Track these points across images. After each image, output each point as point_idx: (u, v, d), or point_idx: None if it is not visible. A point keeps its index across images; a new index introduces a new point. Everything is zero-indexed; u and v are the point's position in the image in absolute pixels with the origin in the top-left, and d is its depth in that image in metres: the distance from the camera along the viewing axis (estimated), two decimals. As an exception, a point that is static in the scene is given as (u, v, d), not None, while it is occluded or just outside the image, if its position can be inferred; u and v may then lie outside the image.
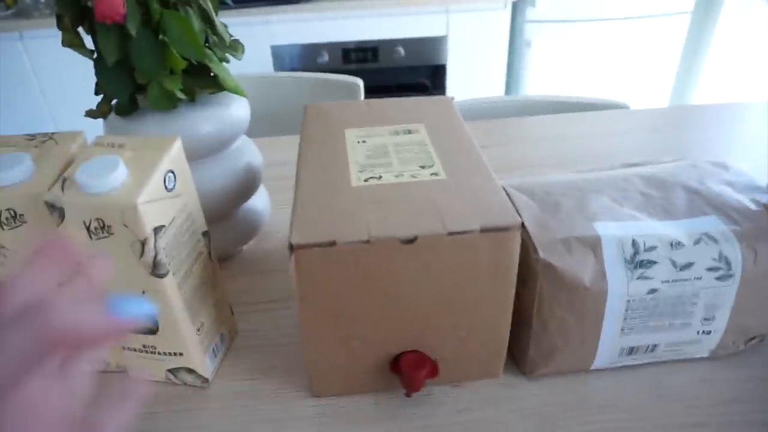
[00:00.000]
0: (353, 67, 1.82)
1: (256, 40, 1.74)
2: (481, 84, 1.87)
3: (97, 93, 0.46)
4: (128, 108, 0.46)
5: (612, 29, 1.74)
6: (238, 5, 1.68)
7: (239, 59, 0.49)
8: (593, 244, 0.37)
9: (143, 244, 0.34)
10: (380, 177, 0.39)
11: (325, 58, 1.80)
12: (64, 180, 0.34)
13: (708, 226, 0.38)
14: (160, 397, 0.42)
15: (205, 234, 0.42)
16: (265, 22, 1.71)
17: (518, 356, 0.42)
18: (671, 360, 0.42)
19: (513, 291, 0.37)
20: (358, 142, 0.44)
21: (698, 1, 1.76)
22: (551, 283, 0.36)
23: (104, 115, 0.48)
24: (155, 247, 0.35)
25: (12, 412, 0.19)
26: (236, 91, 0.48)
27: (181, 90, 0.45)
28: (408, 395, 0.39)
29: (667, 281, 0.37)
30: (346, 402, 0.41)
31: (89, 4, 0.39)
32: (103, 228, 0.34)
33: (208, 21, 0.46)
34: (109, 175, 0.33)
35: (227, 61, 0.49)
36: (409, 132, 0.45)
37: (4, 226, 0.36)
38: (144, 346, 0.40)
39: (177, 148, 0.37)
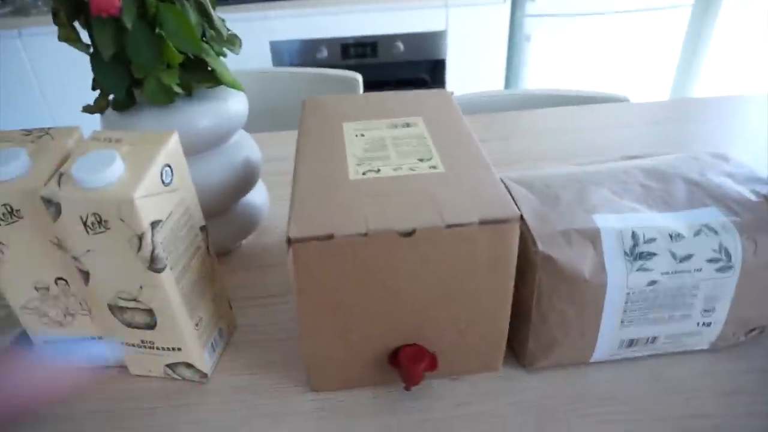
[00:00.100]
0: (352, 63, 1.81)
1: (254, 36, 1.73)
2: (480, 78, 1.86)
3: (93, 88, 0.46)
4: (125, 103, 0.46)
5: (612, 23, 1.74)
6: (237, 1, 1.67)
7: (236, 53, 0.49)
8: (593, 237, 0.37)
9: (140, 238, 0.34)
10: (378, 170, 0.39)
11: (324, 53, 1.79)
12: (61, 175, 0.34)
13: (708, 218, 0.38)
14: (158, 392, 0.42)
15: (203, 228, 0.41)
16: (263, 17, 1.70)
17: (518, 349, 0.42)
18: (671, 352, 0.42)
19: (512, 284, 0.36)
20: (356, 135, 0.44)
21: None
22: (550, 275, 0.36)
23: (101, 111, 0.47)
24: (152, 241, 0.34)
25: None
26: (234, 86, 0.48)
27: (178, 84, 0.45)
28: (407, 389, 0.38)
29: (667, 273, 0.36)
30: (344, 396, 0.41)
31: (85, -2, 0.39)
32: (100, 223, 0.33)
33: (204, 15, 0.45)
34: (105, 170, 0.33)
35: (224, 56, 0.48)
36: (408, 125, 0.45)
37: (1, 222, 0.36)
38: (142, 341, 0.40)
39: (174, 143, 0.37)
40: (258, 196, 0.58)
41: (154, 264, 0.35)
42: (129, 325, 0.39)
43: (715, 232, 0.37)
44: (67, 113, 1.80)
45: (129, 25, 0.40)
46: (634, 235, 0.37)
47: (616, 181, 0.41)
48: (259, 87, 1.12)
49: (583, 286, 0.36)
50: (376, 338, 0.38)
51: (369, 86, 1.11)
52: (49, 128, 0.39)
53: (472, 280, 0.36)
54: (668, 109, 0.86)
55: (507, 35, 1.79)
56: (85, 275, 0.37)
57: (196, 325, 0.40)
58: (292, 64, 1.80)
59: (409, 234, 0.33)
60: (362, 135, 0.44)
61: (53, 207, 0.34)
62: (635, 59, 1.81)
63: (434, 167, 0.39)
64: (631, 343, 0.40)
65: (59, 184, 0.33)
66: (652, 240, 0.36)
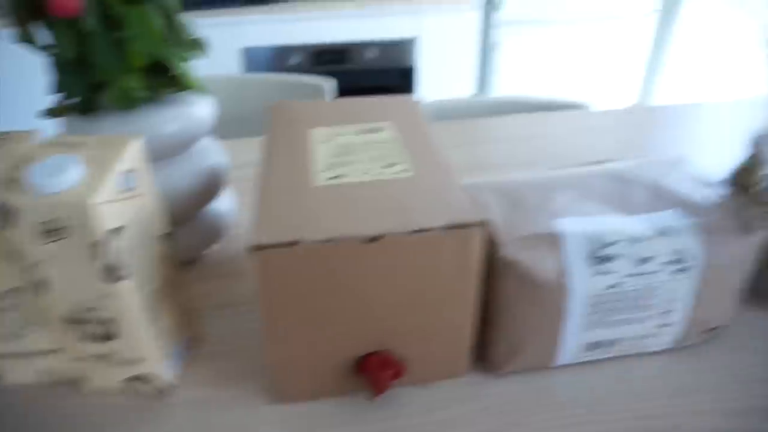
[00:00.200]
0: (324, 69, 1.81)
1: (226, 42, 1.72)
2: (451, 85, 1.88)
3: (53, 92, 0.45)
4: (87, 107, 0.45)
5: (578, 31, 1.78)
6: (208, 6, 1.66)
7: (203, 58, 0.48)
8: (556, 241, 0.37)
9: (99, 246, 0.33)
10: (345, 176, 0.39)
11: (296, 60, 1.79)
12: (15, 180, 0.33)
13: (666, 221, 0.39)
14: (117, 408, 0.40)
15: (167, 236, 0.41)
16: (234, 23, 1.69)
17: (484, 354, 0.42)
18: (633, 354, 0.42)
19: (477, 288, 0.37)
20: (323, 141, 0.44)
21: (661, 3, 1.81)
22: (515, 279, 0.37)
23: (62, 115, 0.46)
24: (112, 249, 0.34)
25: None
26: (199, 90, 0.47)
27: (143, 88, 0.44)
28: (374, 397, 0.38)
29: (628, 275, 0.37)
30: (311, 406, 0.40)
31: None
32: (56, 230, 0.33)
33: (169, 18, 0.45)
34: (62, 175, 0.32)
35: (190, 60, 0.48)
36: (374, 131, 0.45)
37: (-49, 230, 0.35)
38: (100, 354, 0.39)
39: (136, 147, 0.36)
40: (225, 203, 0.57)
41: (113, 273, 0.34)
42: (86, 337, 0.38)
43: (673, 235, 0.38)
44: (24, 117, 1.75)
45: (90, 27, 0.39)
46: (596, 239, 0.37)
47: (578, 186, 0.42)
48: (228, 93, 1.11)
49: (546, 289, 0.37)
50: (342, 346, 0.38)
51: (341, 93, 1.11)
52: (5, 132, 0.38)
53: (438, 285, 0.36)
54: (629, 116, 0.88)
55: (477, 43, 1.82)
56: (40, 285, 0.36)
57: (158, 335, 0.39)
58: (263, 71, 1.79)
59: (375, 240, 0.33)
60: (329, 141, 0.44)
61: (6, 214, 0.32)
62: (601, 66, 1.85)
63: (400, 173, 0.39)
64: (595, 346, 0.40)
65: (14, 189, 0.32)
66: (613, 243, 0.37)
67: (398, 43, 1.79)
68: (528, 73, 1.84)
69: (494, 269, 0.37)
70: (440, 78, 1.87)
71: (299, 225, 0.34)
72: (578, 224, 0.38)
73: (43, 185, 0.32)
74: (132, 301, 0.36)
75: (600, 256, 0.37)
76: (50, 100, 0.46)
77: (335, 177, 0.39)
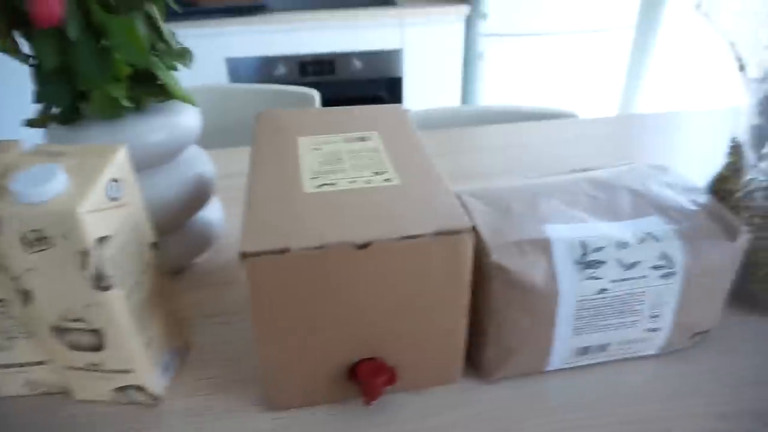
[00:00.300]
0: (310, 80, 1.82)
1: (211, 53, 1.72)
2: (437, 95, 1.90)
3: (36, 101, 0.44)
4: (70, 116, 0.45)
5: (561, 42, 1.81)
6: (193, 17, 1.65)
7: (188, 67, 0.48)
8: (544, 246, 0.37)
9: (86, 255, 0.33)
10: (334, 183, 0.39)
11: (282, 70, 1.79)
12: (1, 189, 0.32)
13: (651, 226, 0.39)
14: (106, 418, 0.40)
15: (154, 245, 0.40)
16: (219, 34, 1.69)
17: (475, 360, 0.42)
18: (622, 358, 0.43)
19: (467, 294, 0.37)
20: (312, 149, 0.44)
21: (641, 17, 1.85)
22: (504, 285, 0.37)
23: (44, 125, 0.46)
24: (99, 258, 0.33)
25: None
26: (185, 100, 0.47)
27: (127, 98, 0.43)
28: (367, 404, 0.38)
29: (615, 280, 0.38)
30: (304, 413, 0.40)
31: (25, 8, 0.38)
32: (41, 240, 0.32)
33: (154, 27, 0.44)
34: (47, 184, 0.31)
35: (175, 69, 0.47)
36: (363, 139, 0.45)
37: (-68, 241, 0.34)
38: (89, 364, 0.38)
39: (122, 156, 0.36)
40: (212, 212, 0.56)
41: (100, 282, 0.34)
42: (74, 347, 0.37)
43: (658, 240, 0.38)
44: (7, 127, 1.72)
45: (73, 35, 0.39)
46: (583, 244, 0.38)
47: (565, 193, 0.43)
48: (214, 103, 1.11)
49: (536, 294, 0.37)
50: (334, 353, 0.38)
51: (327, 104, 1.11)
52: (-14, 142, 0.37)
53: (428, 291, 0.36)
54: (613, 125, 0.89)
55: (462, 53, 1.84)
56: (26, 295, 0.35)
57: (148, 345, 0.39)
58: (249, 81, 1.79)
59: (365, 246, 0.33)
60: (318, 149, 0.44)
61: (-10, 224, 0.32)
62: (583, 77, 1.88)
63: (389, 180, 0.39)
64: (584, 350, 0.41)
65: (-3, 199, 0.32)
66: (600, 249, 0.38)
67: (384, 53, 1.81)
68: (512, 83, 1.86)
69: (483, 275, 0.37)
70: (426, 89, 1.88)
71: (289, 232, 0.34)
72: (566, 230, 0.39)
73: (29, 194, 0.31)
74: (120, 311, 0.35)
75: (587, 261, 0.37)
76: (33, 109, 0.46)
77: (324, 185, 0.39)
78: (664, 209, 0.41)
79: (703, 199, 0.42)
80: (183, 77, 0.48)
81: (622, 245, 0.38)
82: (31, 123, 0.45)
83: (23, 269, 0.33)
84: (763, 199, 0.43)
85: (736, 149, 0.45)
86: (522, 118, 0.97)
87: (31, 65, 0.42)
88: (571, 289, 0.37)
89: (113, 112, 0.43)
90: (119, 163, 0.36)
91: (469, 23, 1.82)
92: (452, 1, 1.79)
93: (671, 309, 0.40)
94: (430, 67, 1.85)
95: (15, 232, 0.32)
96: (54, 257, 0.33)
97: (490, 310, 0.38)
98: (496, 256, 0.36)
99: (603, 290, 0.38)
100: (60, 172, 0.32)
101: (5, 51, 0.40)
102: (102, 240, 0.33)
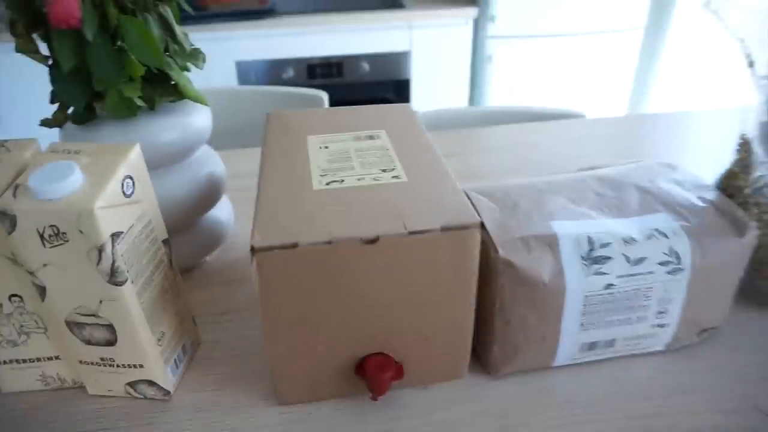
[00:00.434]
0: (318, 83, 1.83)
1: (220, 56, 1.73)
2: (445, 98, 1.90)
3: (52, 101, 0.45)
4: (85, 116, 0.46)
5: (569, 44, 1.81)
6: (203, 20, 1.67)
7: (200, 68, 0.49)
8: (551, 242, 0.38)
9: (100, 250, 0.33)
10: (342, 181, 0.39)
11: (290, 73, 1.80)
12: (17, 186, 0.33)
13: (659, 223, 0.39)
14: (119, 412, 0.40)
15: (165, 242, 0.41)
16: (229, 37, 1.70)
17: (482, 356, 0.42)
18: (629, 354, 0.43)
19: (474, 290, 0.37)
20: (321, 147, 0.44)
21: (650, 18, 1.84)
22: (511, 280, 0.37)
23: (60, 124, 0.47)
24: (113, 254, 0.34)
25: None
26: (197, 100, 0.48)
27: (141, 98, 0.44)
28: (374, 399, 0.38)
29: (622, 276, 0.38)
30: (312, 408, 0.40)
31: (44, 10, 0.39)
32: (57, 235, 0.33)
33: (167, 28, 0.45)
34: (64, 181, 0.32)
35: (188, 70, 0.48)
36: (371, 138, 0.46)
37: (-48, 237, 0.35)
38: (101, 359, 0.39)
39: (136, 154, 0.37)
40: (223, 211, 0.57)
41: (114, 277, 0.35)
42: (88, 342, 0.38)
43: (666, 236, 0.38)
44: (23, 127, 1.75)
45: (90, 36, 0.39)
46: (590, 240, 0.38)
47: (572, 190, 0.43)
48: (224, 105, 1.12)
49: (543, 290, 0.37)
50: (342, 348, 0.38)
51: (335, 106, 1.12)
52: (5, 140, 0.38)
53: (436, 287, 0.36)
54: (622, 124, 0.89)
55: (469, 56, 1.85)
56: (42, 290, 0.36)
57: (159, 340, 0.40)
58: (258, 84, 1.81)
59: (373, 241, 0.34)
60: (326, 147, 0.44)
61: (8, 220, 0.33)
62: (593, 78, 1.88)
63: (397, 177, 0.40)
64: (591, 346, 0.41)
65: (15, 195, 0.33)
66: (607, 244, 0.38)
67: (392, 56, 1.81)
68: (521, 86, 1.86)
69: (490, 271, 0.38)
70: (434, 91, 1.89)
71: (298, 228, 0.34)
72: (573, 226, 0.39)
73: (46, 191, 0.32)
74: (133, 306, 0.36)
75: (594, 257, 0.38)
76: (50, 109, 0.47)
77: (332, 182, 0.39)
78: (671, 206, 0.41)
79: (711, 195, 0.42)
80: (193, 80, 0.49)
81: (629, 241, 0.38)
82: (46, 123, 0.46)
83: (40, 264, 0.34)
84: (772, 196, 0.43)
85: (745, 146, 0.45)
86: (531, 119, 0.97)
87: (48, 66, 0.43)
88: (578, 284, 0.37)
89: (127, 111, 0.44)
90: (133, 160, 0.36)
91: (477, 26, 1.82)
92: (460, 4, 1.79)
93: (678, 305, 0.40)
94: (438, 69, 1.85)
95: (32, 227, 0.33)
96: (70, 252, 0.33)
97: (497, 306, 0.38)
98: (503, 252, 0.37)
99: (610, 285, 0.38)
100: (76, 169, 0.33)
101: (25, 52, 0.41)
102: (116, 236, 0.34)
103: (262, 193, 0.38)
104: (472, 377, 0.42)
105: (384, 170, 0.41)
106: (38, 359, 0.41)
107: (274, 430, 0.39)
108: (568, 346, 0.40)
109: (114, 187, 0.34)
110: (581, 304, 0.38)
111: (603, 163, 0.52)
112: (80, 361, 0.40)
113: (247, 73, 1.78)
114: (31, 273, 0.35)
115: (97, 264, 0.34)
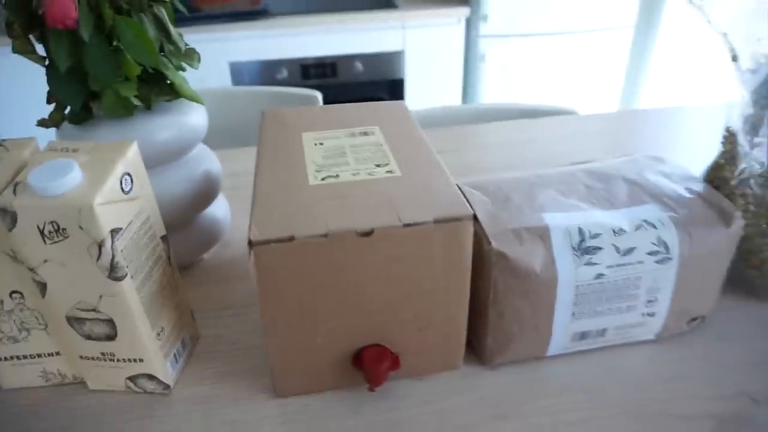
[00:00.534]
0: (312, 83, 1.83)
1: (214, 57, 1.74)
2: (438, 97, 1.91)
3: (49, 101, 0.46)
4: (82, 116, 0.46)
5: (561, 42, 1.82)
6: (196, 22, 1.67)
7: (195, 68, 0.49)
8: (542, 233, 0.39)
9: (100, 246, 0.34)
10: (337, 176, 0.40)
11: (284, 74, 1.80)
12: (17, 184, 0.34)
13: (647, 214, 0.40)
14: (119, 406, 0.41)
15: (164, 238, 0.42)
16: (223, 38, 1.71)
17: (477, 346, 0.43)
18: (620, 344, 0.44)
19: (468, 281, 0.38)
20: (315, 144, 0.45)
21: (640, 16, 1.86)
22: (504, 271, 0.38)
23: (57, 124, 0.47)
24: (112, 249, 0.34)
25: None
26: (193, 98, 0.48)
27: (137, 97, 0.45)
28: (371, 390, 0.39)
29: (612, 266, 0.39)
30: (310, 400, 0.41)
31: (41, 11, 0.39)
32: (57, 231, 0.33)
33: (162, 29, 0.46)
34: (63, 178, 0.33)
35: (183, 70, 0.49)
36: (365, 134, 0.47)
37: (-47, 235, 0.36)
38: (102, 354, 0.40)
39: (133, 152, 0.38)
40: (219, 209, 0.58)
41: (114, 272, 0.35)
42: (88, 337, 0.39)
43: (654, 227, 0.39)
44: (20, 128, 1.74)
45: (86, 37, 0.40)
46: (580, 231, 0.39)
47: (562, 183, 0.44)
48: (218, 105, 1.13)
49: (535, 281, 0.38)
50: (339, 340, 0.39)
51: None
52: (3, 139, 0.39)
53: (430, 278, 0.37)
54: (613, 120, 0.90)
55: (462, 55, 1.86)
56: (42, 287, 0.36)
57: (158, 335, 0.40)
58: (252, 85, 1.81)
59: (368, 234, 0.34)
60: (321, 143, 0.45)
61: (8, 217, 0.33)
62: (585, 75, 1.89)
63: (391, 172, 0.40)
64: (583, 335, 0.42)
65: (15, 192, 0.33)
66: (597, 235, 0.39)
67: (386, 55, 1.82)
68: (513, 84, 1.88)
69: (483, 263, 0.38)
70: (427, 90, 1.90)
71: (294, 221, 0.35)
72: (563, 218, 0.40)
73: (46, 188, 0.32)
74: (132, 300, 0.37)
75: (585, 247, 0.38)
76: (46, 109, 0.47)
77: (328, 177, 0.40)
78: (659, 197, 0.42)
79: (698, 186, 0.43)
80: (187, 80, 0.49)
81: (619, 232, 0.39)
82: (43, 123, 0.47)
83: (40, 260, 0.35)
84: (758, 187, 0.44)
85: (730, 138, 0.46)
86: (523, 116, 0.98)
87: (45, 66, 0.43)
88: (569, 275, 0.38)
89: (124, 111, 0.45)
90: (131, 158, 0.37)
91: (470, 25, 1.84)
92: (453, 4, 1.80)
93: (667, 294, 0.41)
94: (431, 68, 1.86)
95: (33, 224, 0.33)
96: (70, 248, 0.34)
97: (491, 297, 0.39)
98: (495, 243, 0.38)
99: (600, 275, 0.39)
100: (75, 166, 0.33)
101: (22, 52, 0.42)
102: (115, 232, 0.35)
103: (259, 189, 0.39)
104: (467, 368, 0.43)
105: (378, 165, 0.41)
106: (39, 355, 0.41)
107: (274, 421, 0.40)
108: (560, 336, 0.41)
109: (113, 184, 0.35)
110: (572, 294, 0.39)
111: (595, 158, 0.53)
112: (81, 357, 0.40)
113: (241, 74, 1.79)
114: (32, 269, 0.35)
115: (97, 260, 0.34)
